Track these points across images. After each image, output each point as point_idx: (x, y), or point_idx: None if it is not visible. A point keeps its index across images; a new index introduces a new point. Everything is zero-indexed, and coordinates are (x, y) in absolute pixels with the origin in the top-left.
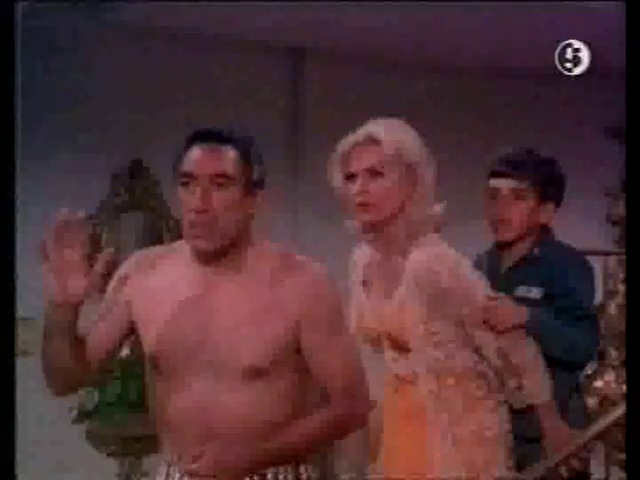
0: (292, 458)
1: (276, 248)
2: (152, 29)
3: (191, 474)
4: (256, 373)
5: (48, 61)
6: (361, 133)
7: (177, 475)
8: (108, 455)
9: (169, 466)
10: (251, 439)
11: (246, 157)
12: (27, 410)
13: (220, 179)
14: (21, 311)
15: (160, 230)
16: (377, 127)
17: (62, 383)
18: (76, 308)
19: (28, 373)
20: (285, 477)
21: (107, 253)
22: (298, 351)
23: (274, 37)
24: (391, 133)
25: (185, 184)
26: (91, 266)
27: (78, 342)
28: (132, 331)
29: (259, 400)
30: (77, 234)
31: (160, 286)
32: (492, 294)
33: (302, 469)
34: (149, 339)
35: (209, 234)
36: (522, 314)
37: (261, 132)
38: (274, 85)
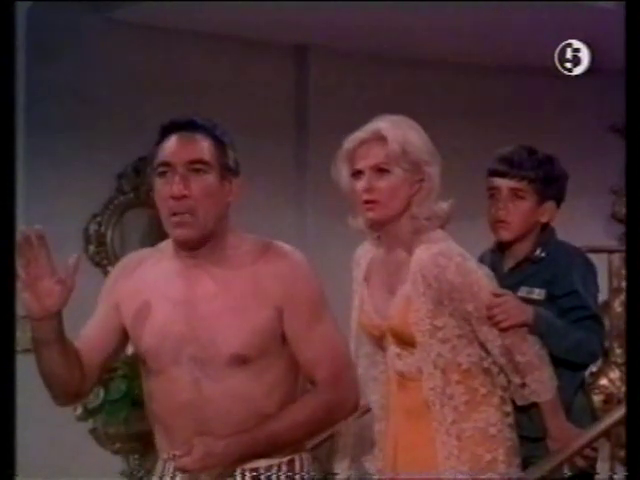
0: (282, 447)
1: (254, 237)
2: (155, 27)
3: (182, 470)
4: (240, 362)
5: (52, 60)
6: (367, 130)
7: (171, 471)
8: (113, 452)
9: (165, 463)
10: (241, 431)
11: (220, 144)
12: (31, 407)
13: (197, 165)
14: (23, 309)
15: (164, 228)
16: (383, 124)
17: (64, 394)
18: (58, 317)
19: (31, 370)
20: (278, 472)
21: (75, 257)
22: (284, 340)
23: (278, 35)
24: (397, 130)
25: (162, 174)
26: (97, 264)
27: (69, 351)
28: (127, 334)
29: (247, 392)
30: (38, 247)
31: (143, 285)
32: (498, 291)
33: (297, 465)
34: (136, 338)
35: (190, 222)
36: (527, 312)
37: (266, 130)
38: (278, 83)
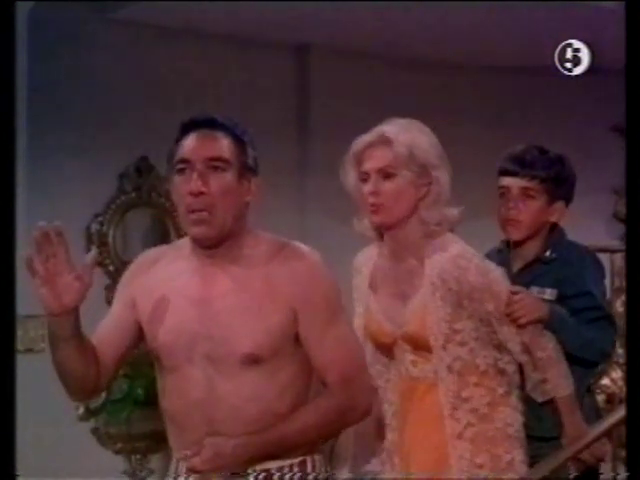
0: (293, 449)
1: (272, 237)
2: (156, 27)
3: (192, 470)
4: (253, 362)
5: (54, 60)
6: (373, 133)
7: (184, 471)
8: (114, 452)
9: (177, 462)
10: (253, 431)
11: (240, 142)
12: (32, 407)
13: (216, 162)
14: (25, 308)
15: (167, 227)
16: (389, 127)
17: (80, 390)
18: (75, 313)
19: (33, 370)
20: (291, 473)
21: (92, 254)
22: (298, 341)
23: (279, 34)
24: (404, 133)
25: (181, 171)
26: (99, 263)
27: (86, 347)
28: (142, 330)
29: (260, 391)
30: (57, 243)
31: (159, 282)
32: (514, 288)
33: (309, 466)
34: (151, 334)
35: (208, 219)
36: (543, 308)
37: (267, 130)
38: (279, 83)
